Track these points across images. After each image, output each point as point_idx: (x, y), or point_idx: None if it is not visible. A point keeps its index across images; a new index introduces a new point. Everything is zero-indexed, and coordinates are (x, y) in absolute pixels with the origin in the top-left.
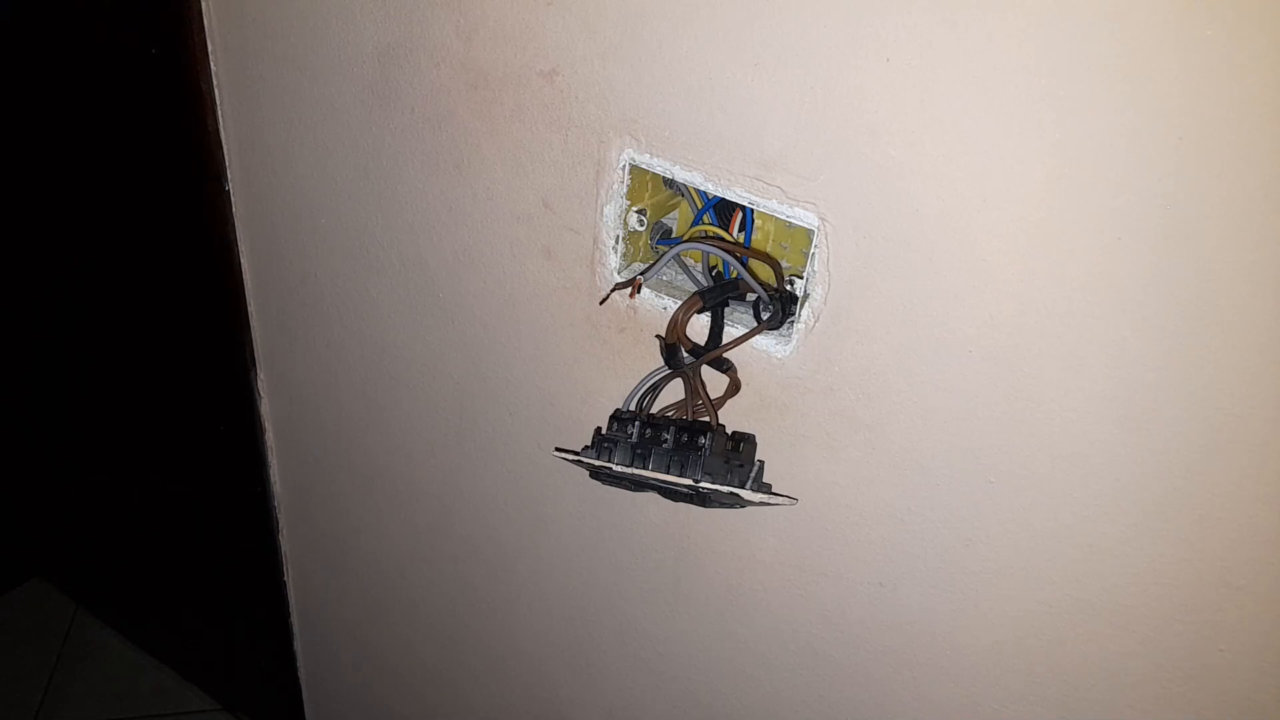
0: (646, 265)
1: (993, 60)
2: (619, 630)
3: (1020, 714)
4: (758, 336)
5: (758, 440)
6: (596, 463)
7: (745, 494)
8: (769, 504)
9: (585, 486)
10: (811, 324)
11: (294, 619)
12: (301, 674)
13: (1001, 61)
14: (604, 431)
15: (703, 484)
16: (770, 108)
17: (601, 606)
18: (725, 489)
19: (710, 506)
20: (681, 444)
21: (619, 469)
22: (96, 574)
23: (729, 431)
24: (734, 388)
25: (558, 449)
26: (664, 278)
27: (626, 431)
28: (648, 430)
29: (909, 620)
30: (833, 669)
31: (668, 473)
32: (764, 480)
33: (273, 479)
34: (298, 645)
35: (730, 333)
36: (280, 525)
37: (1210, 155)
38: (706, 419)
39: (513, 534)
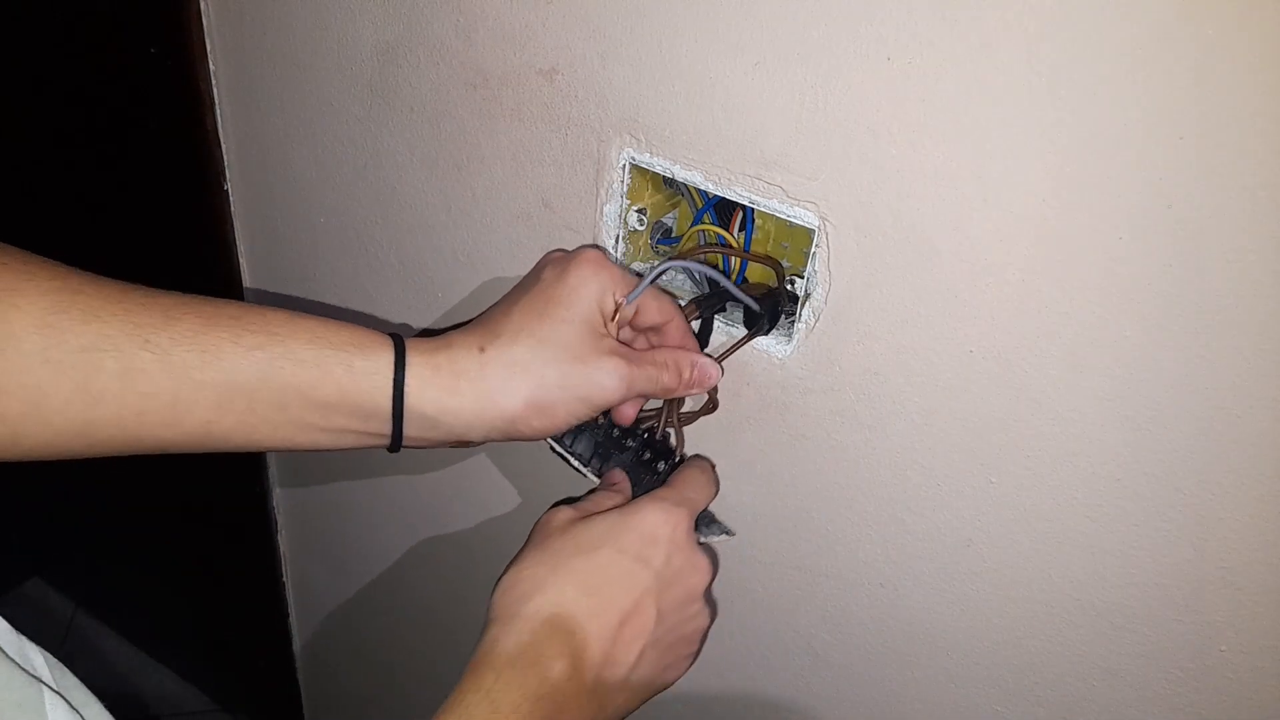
0: (643, 268)
1: (994, 59)
2: None
3: (1021, 714)
4: (758, 337)
5: (757, 451)
6: (556, 444)
7: None
8: (704, 541)
9: (585, 487)
10: (812, 324)
11: (293, 619)
12: (301, 674)
13: (1003, 60)
14: None
15: None
16: (770, 107)
17: None
18: None
19: None
20: (641, 461)
21: (574, 460)
22: (96, 574)
23: (689, 455)
24: (711, 406)
25: None
26: (663, 280)
27: (597, 421)
28: (615, 430)
29: (910, 621)
30: (833, 670)
31: None
32: (708, 511)
33: (272, 479)
34: (297, 645)
35: (727, 330)
36: (280, 525)
37: (1212, 154)
38: (673, 444)
39: (512, 535)
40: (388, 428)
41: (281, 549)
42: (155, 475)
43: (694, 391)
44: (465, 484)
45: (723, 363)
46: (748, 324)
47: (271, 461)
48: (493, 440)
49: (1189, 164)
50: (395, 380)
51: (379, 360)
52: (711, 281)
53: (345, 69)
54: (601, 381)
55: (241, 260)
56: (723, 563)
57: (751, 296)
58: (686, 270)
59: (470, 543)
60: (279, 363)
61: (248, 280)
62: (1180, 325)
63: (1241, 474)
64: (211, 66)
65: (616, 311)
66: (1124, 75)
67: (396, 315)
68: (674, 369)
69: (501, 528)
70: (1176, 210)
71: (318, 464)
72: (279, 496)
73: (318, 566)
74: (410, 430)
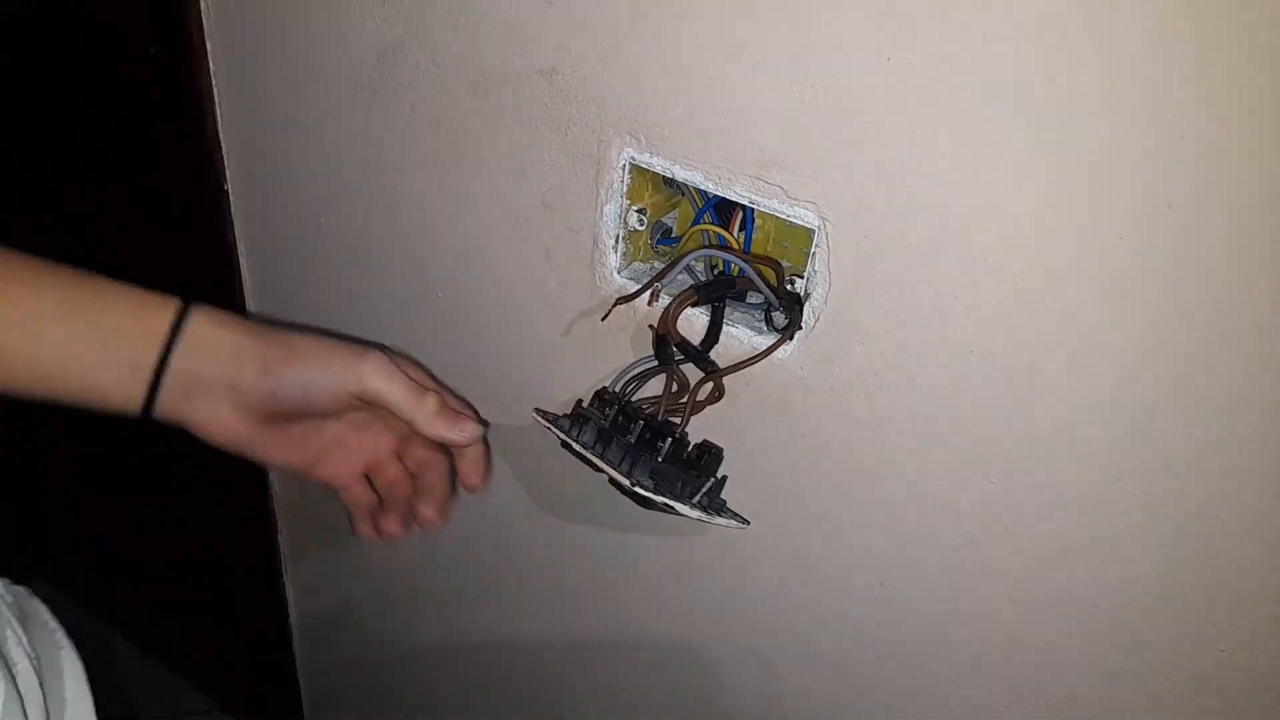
0: (659, 269)
1: (994, 59)
2: (619, 630)
3: (1021, 714)
4: (757, 337)
5: (757, 451)
6: (564, 436)
7: (681, 508)
8: (710, 523)
9: (585, 485)
10: (812, 324)
11: (294, 619)
12: (301, 674)
13: (1002, 60)
14: (584, 405)
15: (638, 489)
16: (770, 107)
17: (602, 607)
18: (660, 499)
19: (652, 510)
20: (644, 441)
21: (578, 448)
22: (96, 574)
23: (697, 440)
24: (717, 393)
25: (538, 410)
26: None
27: (604, 412)
28: (620, 417)
29: (910, 620)
30: (833, 669)
31: (618, 467)
32: (720, 498)
33: (272, 479)
34: (297, 645)
35: (730, 332)
36: (280, 525)
37: (1212, 155)
38: (674, 422)
39: (511, 533)
40: (158, 348)
41: (281, 549)
42: (156, 475)
43: (432, 427)
44: None
45: (739, 369)
46: (769, 320)
47: None
48: (242, 390)
49: (1189, 164)
50: (182, 306)
51: (173, 299)
52: (717, 275)
53: (345, 69)
54: (364, 354)
55: (241, 260)
56: (723, 562)
57: (772, 290)
58: (707, 258)
59: (472, 543)
60: (80, 288)
61: (248, 281)
62: (1180, 325)
63: (1241, 474)
64: (211, 66)
65: (655, 296)
66: (1124, 75)
67: (397, 315)
68: (434, 400)
69: (504, 528)
70: (1177, 210)
71: None
72: (279, 496)
73: (318, 566)
74: (181, 348)
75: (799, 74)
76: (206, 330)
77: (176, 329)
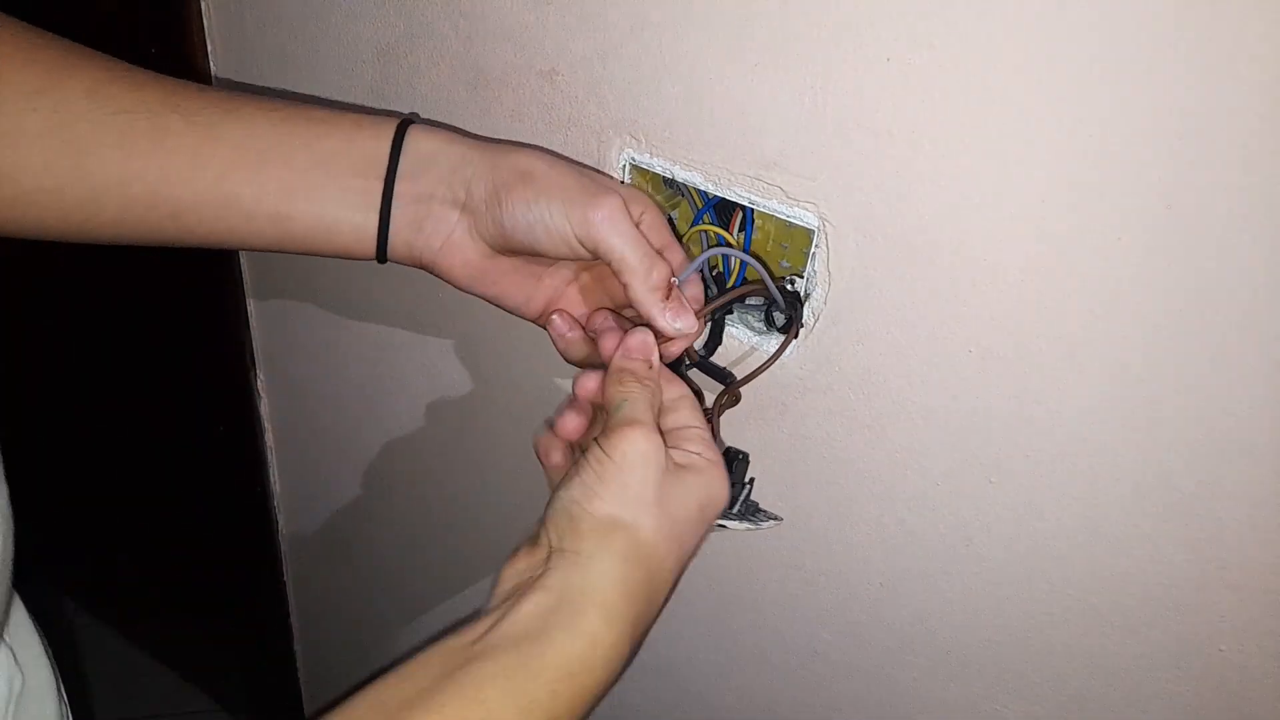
0: None
1: (993, 60)
2: None
3: (1021, 713)
4: (757, 337)
5: (756, 451)
6: None
7: (728, 524)
8: (751, 529)
9: None
10: (811, 324)
11: (294, 619)
12: (301, 674)
13: (1002, 61)
14: None
15: None
16: (770, 108)
17: None
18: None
19: None
20: None
21: None
22: (96, 574)
23: (724, 448)
24: (734, 399)
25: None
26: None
27: None
28: None
29: (909, 620)
30: (833, 669)
31: None
32: (751, 500)
33: (272, 479)
34: (298, 645)
35: (731, 333)
36: (280, 525)
37: (1212, 155)
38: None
39: (512, 534)
40: (383, 173)
41: (281, 549)
42: (157, 474)
43: (645, 302)
44: (467, 482)
45: (753, 378)
46: (769, 320)
47: (271, 462)
48: (474, 211)
49: (1189, 164)
50: (400, 124)
51: (387, 120)
52: (717, 276)
53: (345, 69)
54: (598, 197)
55: (242, 260)
56: (724, 562)
57: (780, 291)
58: (725, 259)
59: (471, 542)
60: (293, 121)
61: (248, 282)
62: (1180, 325)
63: (1241, 474)
64: (212, 67)
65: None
66: (1123, 75)
67: (399, 316)
68: (664, 273)
69: (503, 527)
70: (1176, 210)
71: (317, 463)
72: (279, 495)
73: (318, 566)
74: (405, 168)
75: (799, 74)
76: (429, 144)
77: (397, 150)
